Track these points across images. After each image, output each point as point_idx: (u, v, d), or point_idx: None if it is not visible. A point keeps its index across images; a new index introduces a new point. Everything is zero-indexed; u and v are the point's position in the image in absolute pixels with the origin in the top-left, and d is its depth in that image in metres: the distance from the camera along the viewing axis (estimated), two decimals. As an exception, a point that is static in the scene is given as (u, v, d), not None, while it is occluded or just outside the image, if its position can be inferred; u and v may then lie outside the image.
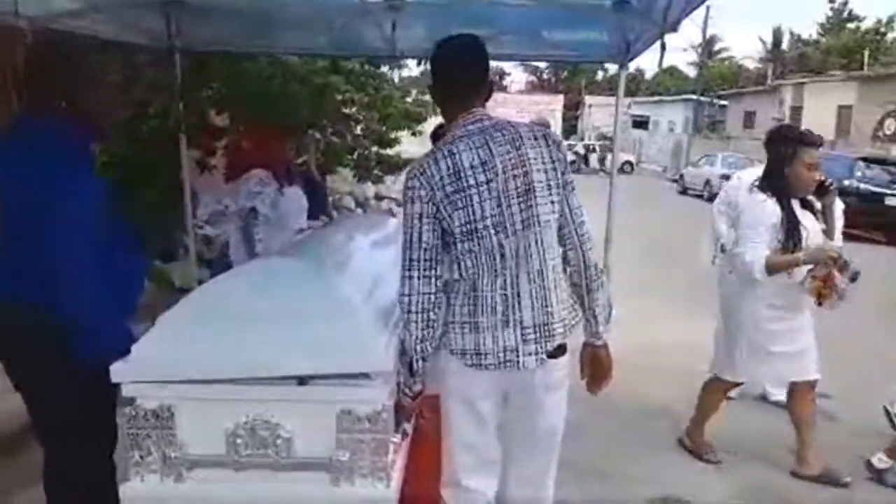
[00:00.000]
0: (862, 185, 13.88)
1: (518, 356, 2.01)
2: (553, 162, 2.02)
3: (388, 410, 1.94)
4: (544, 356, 2.03)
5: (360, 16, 4.32)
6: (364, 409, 1.90)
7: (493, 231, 1.97)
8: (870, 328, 6.80)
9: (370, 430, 1.91)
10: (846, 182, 13.97)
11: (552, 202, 2.02)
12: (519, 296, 2.01)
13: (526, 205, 1.98)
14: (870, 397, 4.77)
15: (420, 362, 2.05)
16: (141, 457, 1.93)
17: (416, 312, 1.99)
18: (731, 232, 4.38)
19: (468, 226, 1.97)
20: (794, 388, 3.64)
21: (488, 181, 1.95)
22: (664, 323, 6.10)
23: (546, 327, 2.03)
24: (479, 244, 1.98)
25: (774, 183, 3.38)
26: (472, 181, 1.95)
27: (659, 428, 4.18)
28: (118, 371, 1.88)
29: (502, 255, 1.99)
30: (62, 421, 2.23)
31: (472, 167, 1.95)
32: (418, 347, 2.02)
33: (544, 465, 2.23)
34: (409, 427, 2.28)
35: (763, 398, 4.64)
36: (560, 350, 2.08)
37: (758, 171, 4.43)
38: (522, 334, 2.01)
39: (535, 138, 2.02)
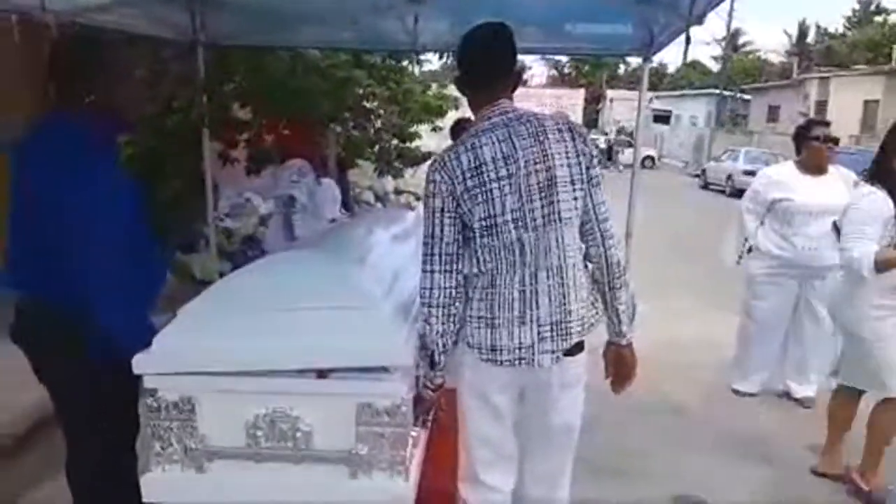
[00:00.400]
0: (889, 181, 13.63)
1: (534, 354, 2.00)
2: (578, 156, 1.97)
3: (408, 404, 1.94)
4: (560, 354, 2.01)
5: (383, 10, 4.31)
6: (383, 403, 1.90)
7: (512, 226, 1.94)
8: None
9: (389, 424, 1.91)
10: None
11: (574, 198, 1.97)
12: (537, 293, 1.98)
13: (547, 200, 1.94)
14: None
15: (441, 356, 2.04)
16: (162, 448, 1.95)
17: (437, 307, 1.99)
18: (759, 230, 4.36)
19: (488, 220, 1.95)
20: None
21: (510, 175, 1.92)
22: (684, 319, 6.05)
23: (563, 325, 2.00)
24: (498, 239, 1.96)
25: (885, 175, 3.24)
26: (493, 175, 1.93)
27: (677, 425, 4.15)
28: (140, 362, 1.90)
29: (521, 251, 1.96)
30: (85, 414, 2.25)
31: (493, 161, 1.93)
32: (439, 341, 2.02)
33: (559, 462, 2.21)
34: (428, 420, 2.27)
35: (787, 395, 4.58)
36: (577, 347, 2.06)
37: (783, 166, 4.42)
38: (539, 332, 1.98)
39: (560, 131, 1.97)
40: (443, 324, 2.01)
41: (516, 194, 1.93)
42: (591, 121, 46.61)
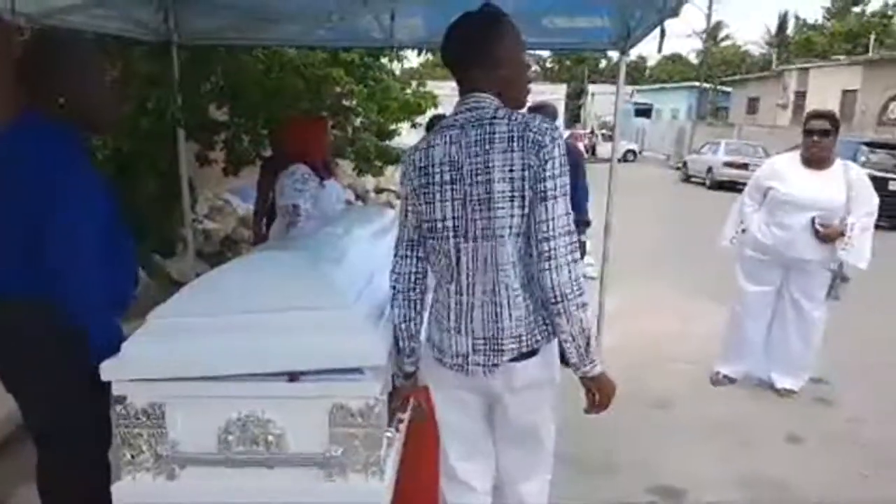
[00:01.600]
0: (865, 170, 13.73)
1: (468, 363, 1.96)
2: (523, 170, 1.79)
3: (382, 404, 1.91)
4: (492, 367, 1.94)
5: (359, 6, 4.28)
6: (357, 404, 1.87)
7: (452, 234, 1.89)
8: (869, 314, 6.78)
9: (363, 425, 1.88)
10: (850, 167, 13.91)
11: (512, 215, 1.82)
12: (472, 306, 1.92)
13: (485, 214, 1.84)
14: (867, 384, 4.79)
15: (407, 342, 2.05)
16: (132, 455, 1.91)
17: (399, 291, 2.03)
18: (756, 215, 4.44)
19: (431, 223, 1.93)
20: None
21: (453, 182, 1.86)
22: (664, 311, 6.08)
23: (495, 341, 1.91)
24: (439, 244, 1.93)
25: None
26: (437, 178, 1.88)
27: (660, 418, 4.17)
28: (108, 369, 1.86)
29: (458, 261, 1.91)
30: (57, 421, 2.22)
31: (441, 164, 1.88)
32: (402, 326, 2.03)
33: (526, 462, 2.14)
34: (403, 417, 2.25)
35: (770, 386, 4.63)
36: (527, 355, 1.94)
37: (788, 157, 4.48)
38: (473, 343, 1.94)
39: (511, 140, 1.80)
40: (403, 308, 2.02)
41: (459, 202, 1.87)
42: (574, 115, 46.79)
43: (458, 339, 1.96)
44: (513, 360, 1.93)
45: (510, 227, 1.83)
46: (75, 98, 2.14)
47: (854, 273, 4.35)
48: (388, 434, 2.00)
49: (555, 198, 1.80)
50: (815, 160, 4.19)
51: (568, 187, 1.84)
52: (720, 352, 4.77)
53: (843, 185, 4.15)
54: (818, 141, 4.16)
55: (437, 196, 1.89)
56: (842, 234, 4.10)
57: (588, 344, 1.88)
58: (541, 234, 1.81)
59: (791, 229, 4.19)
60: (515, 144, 1.80)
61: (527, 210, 1.82)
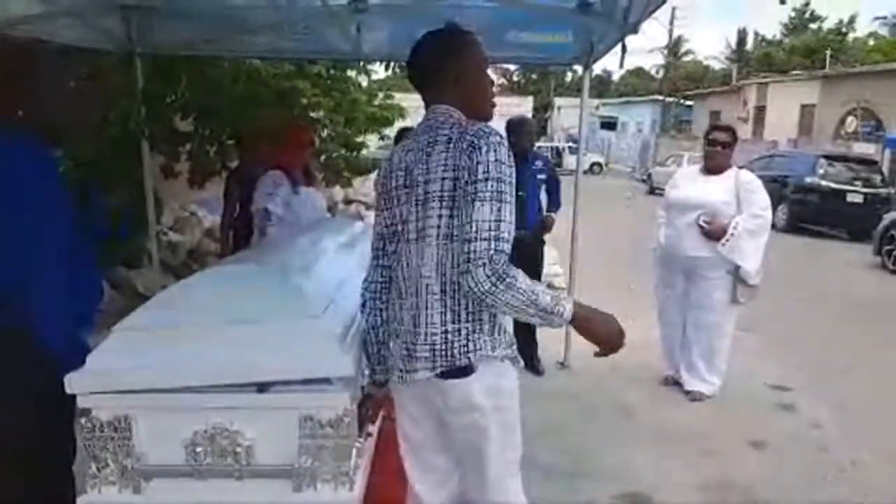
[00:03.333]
0: (823, 182, 14.13)
1: (396, 370, 1.96)
2: (455, 170, 1.79)
3: (351, 415, 1.92)
4: (405, 375, 1.91)
5: (325, 18, 4.30)
6: (326, 415, 1.88)
7: (400, 238, 1.95)
8: (828, 322, 6.96)
9: (332, 436, 1.89)
10: (808, 179, 14.26)
11: (440, 215, 1.82)
12: (402, 308, 1.94)
13: (421, 215, 1.87)
14: (827, 389, 4.92)
15: (374, 348, 2.06)
16: (98, 468, 1.89)
17: (367, 298, 2.05)
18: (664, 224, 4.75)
19: (387, 227, 1.99)
20: None
21: (406, 186, 1.91)
22: (630, 319, 6.11)
23: (411, 347, 1.88)
24: (393, 246, 1.99)
25: None
26: (393, 183, 1.95)
27: (622, 425, 4.22)
28: (73, 381, 1.84)
29: (402, 263, 1.95)
30: (20, 433, 2.18)
31: (396, 170, 1.95)
32: (371, 333, 2.05)
33: (476, 480, 2.02)
34: (372, 429, 2.26)
35: (676, 384, 4.79)
36: (456, 372, 1.85)
37: (691, 167, 4.94)
38: (400, 347, 1.94)
39: (450, 141, 1.83)
40: (371, 316, 2.05)
41: (406, 205, 1.91)
42: (541, 128, 47.16)
43: (395, 343, 1.97)
44: (442, 375, 1.85)
45: (437, 228, 1.83)
46: (34, 109, 2.12)
47: (764, 279, 4.61)
48: (358, 444, 2.00)
49: (482, 200, 1.73)
50: (715, 168, 4.54)
51: (505, 195, 1.76)
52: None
53: (733, 189, 4.46)
54: (721, 151, 4.52)
55: (393, 201, 1.95)
56: (724, 231, 4.38)
57: (536, 302, 1.72)
58: (464, 235, 1.74)
59: (678, 228, 4.54)
60: (452, 146, 1.82)
61: (454, 212, 1.81)
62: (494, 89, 2.22)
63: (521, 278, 1.73)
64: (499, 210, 1.74)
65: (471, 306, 1.84)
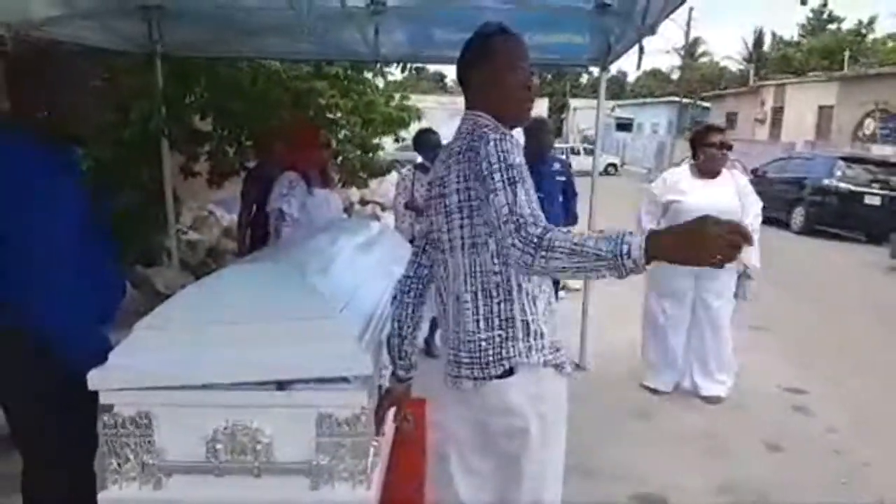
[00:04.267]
0: (841, 185, 13.98)
1: (445, 373, 1.99)
2: (467, 179, 1.82)
3: (368, 414, 1.94)
4: (453, 380, 1.94)
5: (343, 21, 4.33)
6: (343, 413, 1.90)
7: (439, 245, 1.99)
8: (844, 324, 6.91)
9: (350, 434, 1.90)
10: (826, 181, 14.13)
11: (461, 225, 1.87)
12: (448, 314, 1.99)
13: (449, 226, 1.91)
14: (843, 392, 4.89)
15: (397, 339, 2.10)
16: (119, 464, 1.91)
17: (396, 292, 2.13)
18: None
19: (430, 234, 2.04)
20: None
21: (440, 196, 1.94)
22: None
23: (455, 353, 1.93)
24: (436, 255, 2.03)
25: None
26: (433, 193, 2.00)
27: (638, 426, 4.22)
28: (95, 378, 1.86)
29: (441, 272, 2.00)
30: (40, 431, 2.22)
31: (434, 180, 1.99)
32: (394, 325, 2.11)
33: (512, 487, 2.01)
34: (389, 428, 2.28)
35: (695, 394, 4.72)
36: (496, 377, 1.87)
37: (679, 170, 4.80)
38: (447, 353, 1.98)
39: (460, 153, 1.86)
40: (397, 308, 2.11)
41: (440, 215, 1.94)
42: (556, 129, 47.09)
43: (444, 347, 2.03)
44: (480, 378, 1.88)
45: (461, 239, 1.88)
46: (59, 111, 2.16)
47: (765, 274, 4.63)
48: (375, 443, 2.02)
49: (495, 191, 1.70)
50: (714, 171, 4.48)
51: (515, 177, 1.71)
52: (647, 366, 4.86)
53: (735, 192, 4.47)
54: (724, 154, 4.47)
55: (432, 210, 2.00)
56: None
57: (592, 257, 1.53)
58: (493, 225, 1.72)
59: None
60: (462, 157, 1.85)
61: (474, 220, 1.84)
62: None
63: (561, 238, 1.57)
64: (514, 192, 1.69)
65: (502, 313, 1.86)
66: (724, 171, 4.52)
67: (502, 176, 1.72)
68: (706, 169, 4.48)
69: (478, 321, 1.88)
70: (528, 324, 1.87)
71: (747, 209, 4.42)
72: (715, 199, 4.33)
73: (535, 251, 1.59)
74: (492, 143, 1.77)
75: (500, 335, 1.87)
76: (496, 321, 1.87)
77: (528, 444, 1.93)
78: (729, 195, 4.40)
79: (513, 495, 2.01)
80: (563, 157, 4.82)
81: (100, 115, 2.72)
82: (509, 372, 1.86)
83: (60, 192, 2.10)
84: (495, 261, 1.84)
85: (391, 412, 2.20)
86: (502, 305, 1.86)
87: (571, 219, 5.09)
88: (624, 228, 1.62)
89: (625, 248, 1.51)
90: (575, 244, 1.55)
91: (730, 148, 4.49)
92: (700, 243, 1.47)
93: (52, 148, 2.16)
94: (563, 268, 1.58)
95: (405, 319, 2.10)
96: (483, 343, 1.87)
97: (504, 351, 1.86)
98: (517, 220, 1.64)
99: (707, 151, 4.44)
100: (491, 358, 1.86)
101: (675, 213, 4.45)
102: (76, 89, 2.24)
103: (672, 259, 1.51)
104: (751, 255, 4.34)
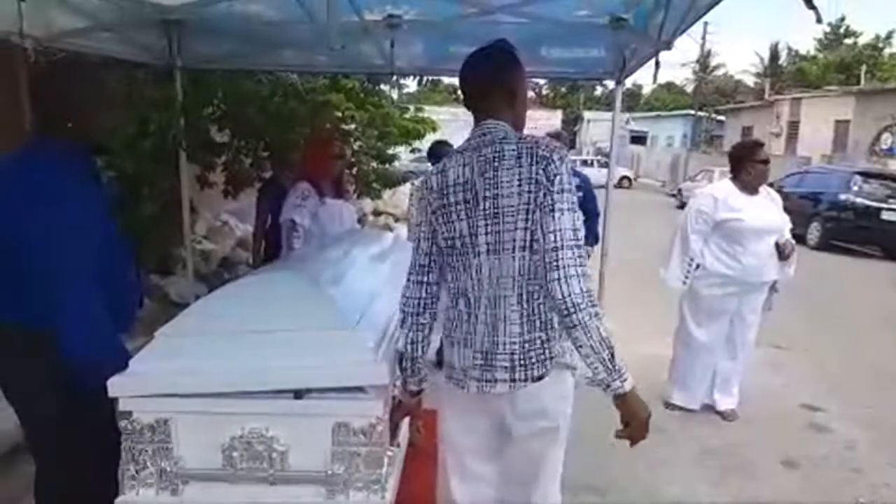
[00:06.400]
0: (858, 200, 13.86)
1: (466, 377, 1.99)
2: (530, 183, 1.85)
3: (383, 423, 1.96)
4: (486, 384, 1.96)
5: (360, 34, 4.37)
6: (359, 423, 1.92)
7: (464, 250, 1.97)
8: (861, 341, 6.84)
9: (365, 443, 1.92)
10: (842, 196, 14.02)
11: (516, 228, 1.88)
12: (477, 318, 1.97)
13: (493, 228, 1.91)
14: (861, 409, 4.83)
15: (410, 363, 2.11)
16: (137, 470, 1.94)
17: (408, 314, 2.09)
18: (705, 250, 4.44)
19: (449, 241, 2.01)
20: None
21: (466, 201, 1.94)
22: (659, 335, 6.09)
23: (490, 356, 1.94)
24: (457, 260, 2.01)
25: None
26: (452, 199, 1.97)
27: (654, 441, 4.15)
28: (115, 385, 1.90)
29: (470, 275, 1.98)
30: (54, 437, 2.24)
31: (454, 185, 1.96)
32: (409, 348, 2.10)
33: (522, 489, 2.11)
34: (402, 440, 2.29)
35: (712, 409, 4.67)
36: (531, 379, 1.93)
37: (724, 186, 4.53)
38: (473, 356, 1.97)
39: (519, 157, 1.88)
40: (411, 332, 2.09)
41: (471, 220, 1.94)
42: (570, 142, 47.07)
43: (463, 352, 2.00)
44: (521, 381, 1.92)
45: (514, 241, 1.89)
46: (84, 122, 2.19)
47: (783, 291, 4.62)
48: (390, 453, 2.03)
49: (562, 210, 1.83)
50: (757, 186, 4.39)
51: (576, 204, 1.87)
52: (675, 383, 4.74)
53: (776, 206, 4.45)
54: (767, 169, 4.40)
55: (454, 216, 1.97)
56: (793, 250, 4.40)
57: (612, 356, 1.81)
58: (549, 245, 1.82)
59: (760, 255, 4.31)
60: (523, 160, 1.87)
61: (531, 224, 1.86)
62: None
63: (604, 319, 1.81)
64: (576, 220, 1.84)
65: (544, 315, 1.92)
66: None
67: (569, 199, 1.86)
68: (753, 185, 4.36)
69: (522, 323, 1.92)
70: (555, 326, 1.93)
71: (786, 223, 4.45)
72: (769, 218, 4.32)
73: (590, 302, 1.81)
74: (566, 164, 1.88)
75: (541, 336, 1.93)
76: (538, 323, 1.92)
77: (553, 443, 2.06)
78: (776, 211, 4.40)
79: (522, 497, 2.09)
80: (581, 171, 4.71)
81: (122, 126, 2.76)
82: (544, 375, 1.93)
83: (85, 203, 2.13)
84: (532, 265, 1.90)
85: (406, 422, 2.22)
86: (542, 307, 1.91)
87: (592, 238, 5.02)
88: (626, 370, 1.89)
89: (623, 370, 1.86)
90: (610, 336, 1.83)
91: (767, 163, 4.45)
92: (641, 418, 1.97)
93: (77, 158, 2.19)
94: (590, 333, 1.81)
95: (420, 341, 2.10)
96: (526, 345, 1.92)
97: (545, 352, 1.93)
98: (580, 261, 1.83)
99: (757, 167, 4.33)
100: (534, 358, 1.92)
101: (734, 232, 4.31)
102: (100, 101, 2.27)
103: (627, 407, 1.93)
104: (791, 267, 4.39)
